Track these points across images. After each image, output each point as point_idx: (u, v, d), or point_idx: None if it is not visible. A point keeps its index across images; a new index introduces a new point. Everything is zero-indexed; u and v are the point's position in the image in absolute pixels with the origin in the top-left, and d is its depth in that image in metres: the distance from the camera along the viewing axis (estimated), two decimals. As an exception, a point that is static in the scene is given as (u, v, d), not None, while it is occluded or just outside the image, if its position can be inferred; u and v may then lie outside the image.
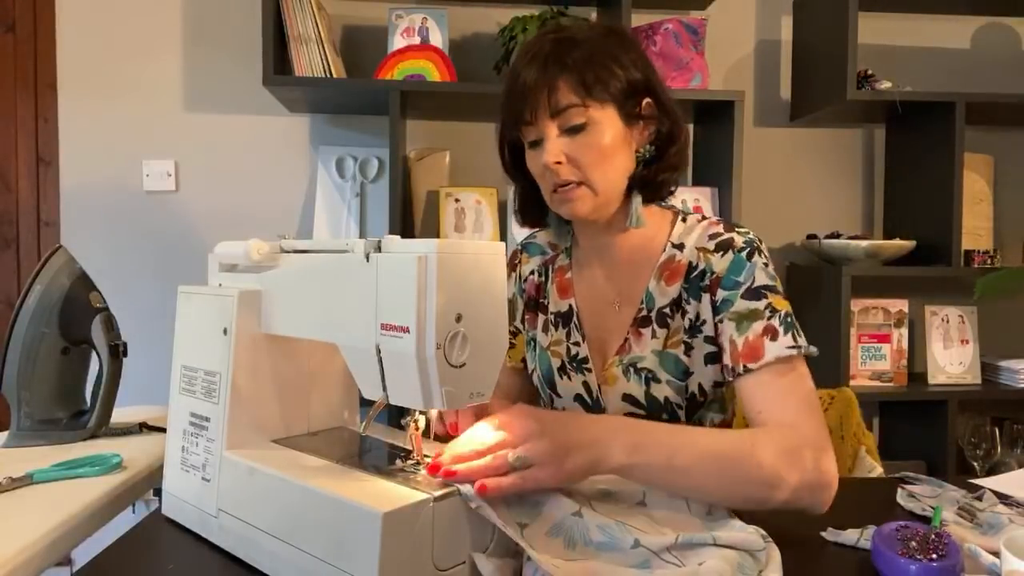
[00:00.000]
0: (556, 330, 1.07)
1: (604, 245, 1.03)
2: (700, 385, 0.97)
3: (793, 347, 0.86)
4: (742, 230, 0.96)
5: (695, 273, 0.96)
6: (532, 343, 1.12)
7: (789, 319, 0.89)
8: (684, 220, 1.01)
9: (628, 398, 0.99)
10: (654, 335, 0.98)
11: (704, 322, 0.95)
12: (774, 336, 0.87)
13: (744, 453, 0.76)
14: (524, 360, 1.14)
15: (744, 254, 0.93)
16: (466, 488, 0.63)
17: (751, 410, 0.87)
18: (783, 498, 0.76)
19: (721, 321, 0.92)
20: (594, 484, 0.76)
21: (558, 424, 0.72)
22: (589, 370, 1.03)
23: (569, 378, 1.05)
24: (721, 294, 0.92)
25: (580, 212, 0.93)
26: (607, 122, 0.90)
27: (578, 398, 1.04)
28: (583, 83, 0.88)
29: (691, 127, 2.23)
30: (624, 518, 0.69)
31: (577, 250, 1.09)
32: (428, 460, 0.70)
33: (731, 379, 0.91)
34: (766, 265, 0.93)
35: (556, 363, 1.06)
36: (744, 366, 0.87)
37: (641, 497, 0.75)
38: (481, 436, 0.70)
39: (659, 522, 0.71)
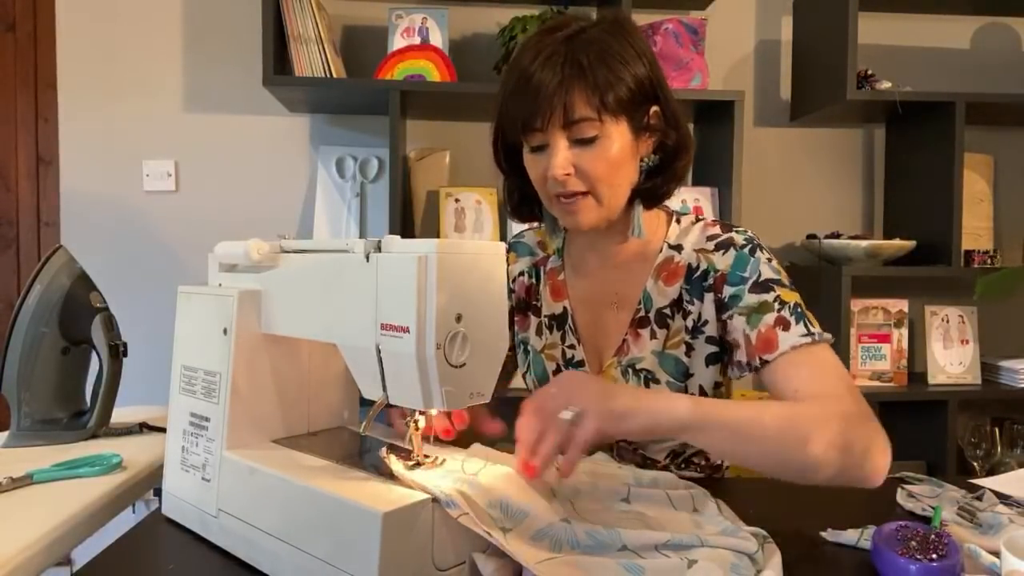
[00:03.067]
0: (550, 333, 1.06)
1: (601, 248, 1.02)
2: (701, 387, 0.96)
3: (807, 335, 0.85)
4: (739, 229, 0.96)
5: (696, 274, 0.95)
6: (523, 346, 1.10)
7: (799, 309, 0.88)
8: (679, 221, 1.00)
9: None
10: (653, 336, 0.97)
11: (706, 322, 0.94)
12: (786, 327, 0.86)
13: (802, 414, 0.76)
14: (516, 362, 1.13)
15: (746, 250, 0.92)
16: (445, 498, 0.62)
17: (787, 392, 0.85)
18: (841, 461, 0.75)
19: (731, 318, 0.91)
20: (578, 476, 0.76)
21: (610, 383, 0.76)
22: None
23: None
24: (728, 291, 0.92)
25: (585, 224, 0.92)
26: (617, 135, 0.88)
27: None
28: (599, 91, 0.85)
29: (691, 127, 2.23)
30: (613, 523, 0.68)
31: (570, 251, 1.07)
32: (428, 460, 0.71)
33: (747, 373, 0.90)
34: (769, 260, 0.92)
35: (551, 367, 1.05)
36: (761, 358, 0.87)
37: (625, 494, 0.75)
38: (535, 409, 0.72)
39: (648, 524, 0.71)
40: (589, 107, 0.85)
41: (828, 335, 0.88)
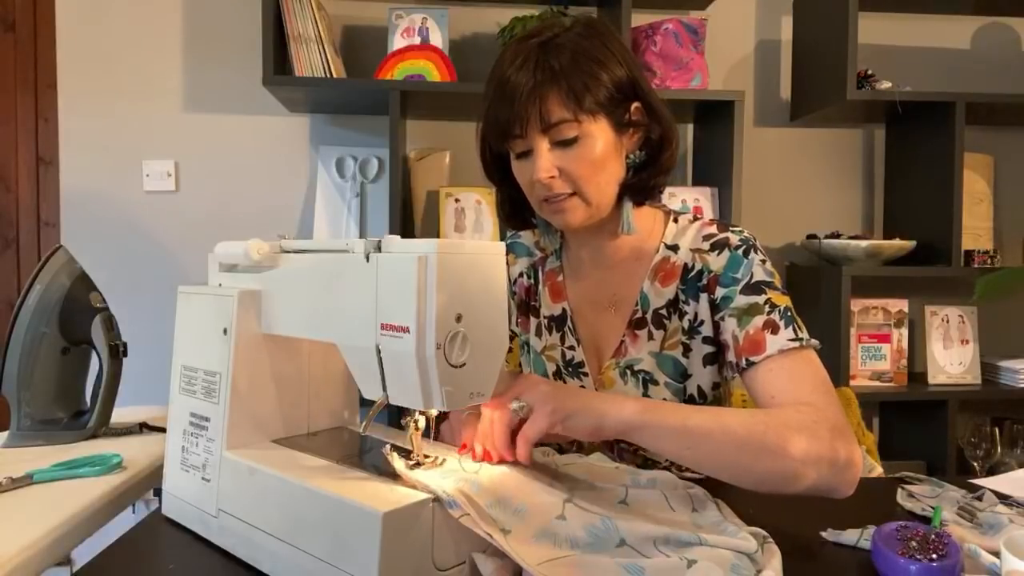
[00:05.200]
0: (550, 334, 1.06)
1: (596, 248, 1.02)
2: (699, 387, 0.96)
3: (794, 339, 0.86)
4: (736, 229, 0.96)
5: (692, 274, 0.95)
6: (525, 347, 1.11)
7: (789, 313, 0.88)
8: (676, 221, 1.00)
9: None
10: (651, 337, 0.97)
11: (702, 322, 0.95)
12: (775, 330, 0.87)
13: (760, 427, 0.75)
14: (521, 364, 1.13)
15: (740, 251, 0.93)
16: (448, 498, 0.62)
17: (764, 397, 0.86)
18: (803, 474, 0.74)
19: (722, 319, 0.92)
20: (575, 476, 0.76)
21: (564, 385, 0.76)
22: (585, 374, 1.02)
23: (564, 383, 1.03)
24: (720, 292, 0.92)
25: (574, 222, 0.92)
26: (599, 133, 0.88)
27: None
28: (573, 94, 0.85)
29: (691, 127, 2.24)
30: (609, 513, 0.68)
31: (568, 253, 1.07)
32: (428, 460, 0.71)
33: (736, 375, 0.91)
34: (763, 262, 0.92)
35: (551, 368, 1.05)
36: (747, 359, 0.87)
37: (623, 496, 0.75)
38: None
39: (646, 518, 0.71)
40: (565, 109, 0.86)
41: (815, 341, 0.88)
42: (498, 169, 0.98)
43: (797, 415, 0.78)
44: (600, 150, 0.88)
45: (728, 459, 0.74)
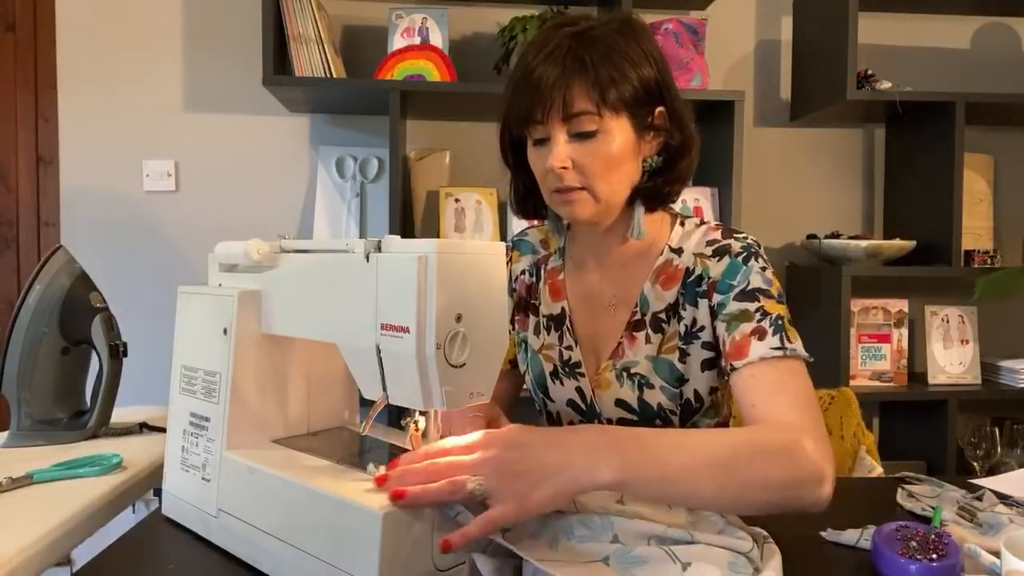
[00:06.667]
0: (548, 333, 1.06)
1: (601, 248, 1.01)
2: (696, 392, 0.96)
3: (778, 348, 0.84)
4: (740, 235, 0.95)
5: (692, 278, 0.95)
6: (523, 345, 1.10)
7: (780, 322, 0.87)
8: (682, 224, 1.00)
9: (621, 403, 0.98)
10: (648, 340, 0.97)
11: (702, 328, 0.94)
12: (761, 336, 0.85)
13: (739, 455, 0.72)
14: (512, 361, 1.13)
15: (741, 258, 0.92)
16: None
17: (745, 404, 0.85)
18: (777, 501, 0.72)
19: (717, 324, 0.92)
20: None
21: (528, 450, 0.65)
22: (582, 375, 1.01)
23: (561, 383, 1.03)
24: (716, 298, 0.92)
25: (581, 216, 0.91)
26: (618, 131, 0.88)
27: (571, 403, 1.02)
28: (599, 86, 0.85)
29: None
30: (608, 509, 0.68)
31: (572, 250, 1.07)
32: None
33: (727, 378, 0.90)
34: (763, 269, 0.91)
35: (548, 367, 1.05)
36: (731, 364, 0.87)
37: (619, 495, 0.75)
38: (441, 449, 0.67)
39: (642, 518, 0.71)
40: (589, 101, 0.86)
41: (804, 353, 0.86)
42: (515, 155, 0.98)
43: (777, 437, 0.75)
44: (617, 148, 0.88)
45: (708, 498, 0.71)
